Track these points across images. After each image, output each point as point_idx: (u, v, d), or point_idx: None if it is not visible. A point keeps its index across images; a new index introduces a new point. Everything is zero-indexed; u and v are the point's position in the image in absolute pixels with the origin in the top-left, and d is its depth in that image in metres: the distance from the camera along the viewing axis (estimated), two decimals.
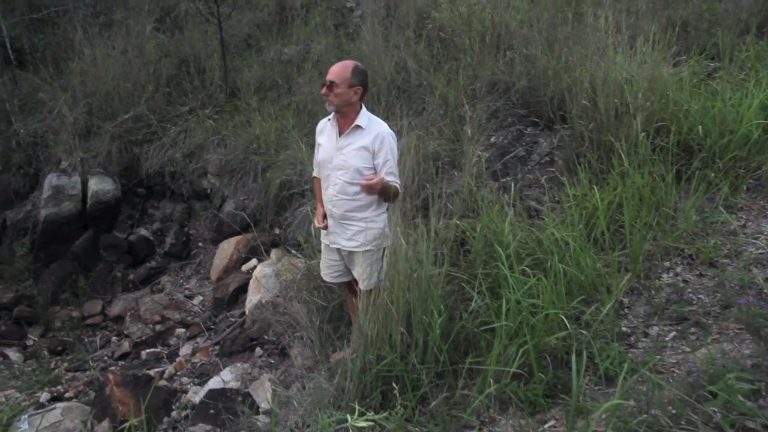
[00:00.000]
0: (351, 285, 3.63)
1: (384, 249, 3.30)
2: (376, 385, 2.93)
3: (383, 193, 3.21)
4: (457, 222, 4.20)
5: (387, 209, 3.40)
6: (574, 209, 4.04)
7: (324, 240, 3.56)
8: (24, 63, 7.92)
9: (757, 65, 5.24)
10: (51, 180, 6.49)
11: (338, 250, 3.49)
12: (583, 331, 3.09)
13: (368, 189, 3.14)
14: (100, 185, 6.67)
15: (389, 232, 3.32)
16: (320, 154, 3.41)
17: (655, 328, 3.39)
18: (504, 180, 5.04)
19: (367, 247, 3.32)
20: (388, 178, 3.18)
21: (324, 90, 3.18)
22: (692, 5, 6.54)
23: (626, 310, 3.58)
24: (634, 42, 5.32)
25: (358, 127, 3.22)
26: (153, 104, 7.00)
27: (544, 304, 3.04)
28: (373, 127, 3.23)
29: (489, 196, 4.50)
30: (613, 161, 4.48)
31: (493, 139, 5.41)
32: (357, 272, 3.41)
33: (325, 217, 3.46)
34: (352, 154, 3.23)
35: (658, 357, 3.06)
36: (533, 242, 3.86)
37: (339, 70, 3.15)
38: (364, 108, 3.28)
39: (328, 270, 3.63)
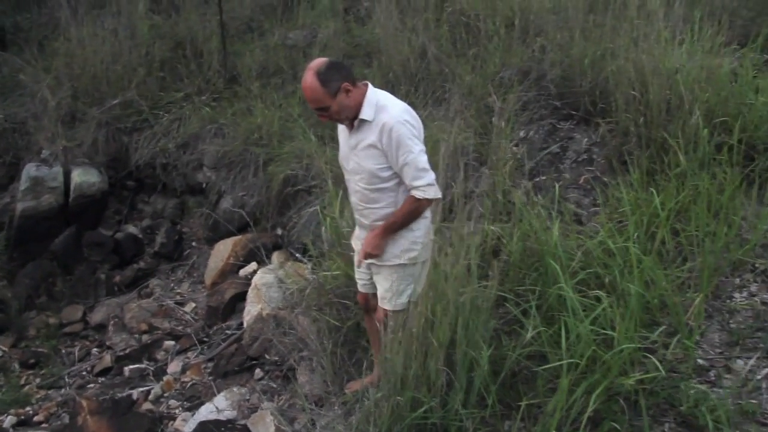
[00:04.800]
0: (368, 301, 3.06)
1: (422, 263, 2.71)
2: None
3: (400, 223, 2.68)
4: (492, 227, 3.63)
5: (429, 215, 2.78)
6: (630, 214, 3.50)
7: (353, 243, 3.02)
8: (5, 43, 7.31)
9: None
10: (29, 170, 5.83)
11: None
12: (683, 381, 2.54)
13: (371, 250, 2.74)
14: (85, 177, 6.02)
15: (428, 243, 2.71)
16: (339, 155, 2.87)
17: (739, 362, 2.84)
18: (537, 179, 4.49)
19: (400, 261, 2.71)
20: (413, 183, 2.58)
21: (322, 119, 2.72)
22: None
23: (698, 338, 3.02)
24: (679, 30, 4.78)
25: (364, 121, 2.61)
26: (144, 89, 6.37)
27: (619, 336, 2.46)
28: (379, 117, 2.57)
29: (524, 198, 3.95)
30: (666, 161, 3.96)
31: (522, 134, 4.85)
32: (382, 288, 2.81)
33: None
34: (362, 154, 2.66)
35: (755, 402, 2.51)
36: (581, 252, 3.32)
37: (311, 94, 2.54)
38: (369, 94, 2.61)
39: (357, 275, 3.06)
